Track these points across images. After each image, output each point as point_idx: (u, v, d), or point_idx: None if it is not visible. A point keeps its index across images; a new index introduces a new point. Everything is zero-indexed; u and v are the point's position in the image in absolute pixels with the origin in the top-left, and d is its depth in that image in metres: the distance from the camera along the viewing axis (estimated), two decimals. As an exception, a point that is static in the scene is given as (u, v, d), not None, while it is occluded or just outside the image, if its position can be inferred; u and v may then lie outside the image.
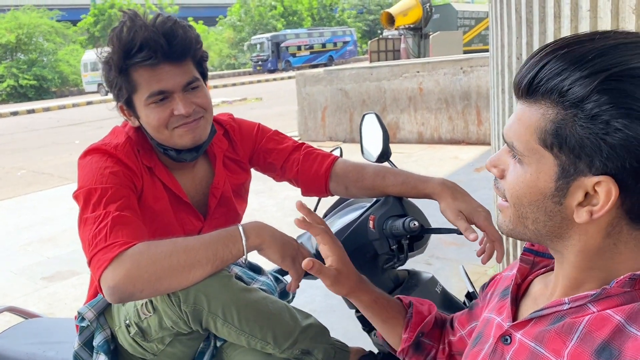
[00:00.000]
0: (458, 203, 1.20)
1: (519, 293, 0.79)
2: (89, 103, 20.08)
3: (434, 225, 1.30)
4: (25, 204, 6.10)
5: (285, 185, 1.58)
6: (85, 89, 26.87)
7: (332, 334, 1.28)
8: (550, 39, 2.09)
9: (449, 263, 3.32)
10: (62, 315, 3.16)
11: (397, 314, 1.00)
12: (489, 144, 6.55)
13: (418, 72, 7.23)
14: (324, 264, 0.95)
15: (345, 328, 1.53)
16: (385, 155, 1.41)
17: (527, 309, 0.75)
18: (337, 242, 0.97)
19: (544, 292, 0.74)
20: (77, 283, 3.63)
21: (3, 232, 5.09)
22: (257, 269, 1.44)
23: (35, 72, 26.34)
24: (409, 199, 1.32)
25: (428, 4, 16.71)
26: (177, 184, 1.33)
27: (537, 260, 0.80)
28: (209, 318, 1.11)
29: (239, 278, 1.32)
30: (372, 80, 7.65)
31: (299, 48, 32.43)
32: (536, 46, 2.07)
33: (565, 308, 0.65)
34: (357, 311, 1.24)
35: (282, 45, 31.56)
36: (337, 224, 1.34)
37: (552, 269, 0.77)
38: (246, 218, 1.54)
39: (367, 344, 1.32)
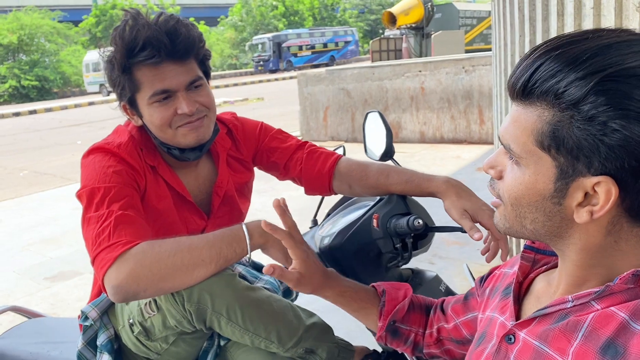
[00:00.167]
0: (463, 201, 1.19)
1: (521, 291, 0.78)
2: (90, 103, 20.10)
3: (438, 223, 1.29)
4: (28, 204, 6.11)
5: (288, 184, 1.57)
6: (87, 89, 26.93)
7: (336, 333, 1.27)
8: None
9: (451, 262, 3.32)
10: (65, 315, 3.16)
11: (368, 303, 1.05)
12: (491, 143, 6.55)
13: (420, 71, 7.23)
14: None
15: (349, 327, 1.53)
16: (388, 154, 1.40)
17: (531, 307, 0.75)
18: (300, 246, 1.01)
19: (546, 290, 0.74)
20: (80, 283, 3.63)
21: (6, 232, 5.10)
22: (260, 268, 1.43)
23: (37, 73, 26.40)
24: (413, 197, 1.32)
25: (430, 3, 16.68)
26: (180, 183, 1.32)
27: (538, 258, 0.80)
28: (212, 317, 1.11)
29: (243, 277, 1.32)
30: (374, 79, 7.64)
31: (301, 48, 32.42)
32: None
33: (569, 306, 0.65)
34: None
35: (284, 45, 31.55)
36: (340, 222, 1.34)
37: (554, 267, 0.77)
38: (249, 217, 1.53)
39: (371, 342, 1.32)
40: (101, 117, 14.26)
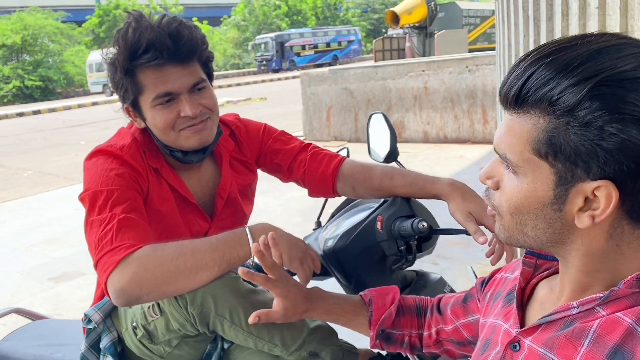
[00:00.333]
0: (467, 204, 1.18)
1: (523, 298, 0.78)
2: (94, 104, 20.14)
3: (442, 225, 1.29)
4: (32, 204, 6.12)
5: (291, 185, 1.57)
6: (91, 89, 27.00)
7: (340, 336, 1.27)
8: (557, 37, 2.07)
9: (455, 263, 3.31)
10: (68, 316, 3.17)
11: (357, 314, 1.06)
12: (495, 142, 6.53)
13: (423, 71, 7.21)
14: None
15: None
16: (392, 156, 1.40)
17: (535, 314, 0.74)
18: (279, 284, 1.01)
19: (550, 296, 0.74)
20: (83, 284, 3.64)
21: (10, 232, 5.11)
22: (264, 271, 1.43)
23: (41, 73, 26.47)
24: (417, 199, 1.31)
25: (433, 3, 16.66)
26: (183, 185, 1.32)
27: (539, 263, 0.80)
28: (216, 320, 1.11)
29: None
30: (377, 79, 7.63)
31: (304, 47, 32.42)
32: (544, 44, 2.05)
33: (574, 312, 0.65)
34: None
35: (287, 44, 31.56)
36: (344, 224, 1.33)
37: (555, 272, 0.76)
38: (252, 218, 1.53)
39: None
40: (104, 117, 14.29)
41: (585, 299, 0.64)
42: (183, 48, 1.19)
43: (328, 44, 33.49)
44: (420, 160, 6.26)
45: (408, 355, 1.15)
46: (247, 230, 1.10)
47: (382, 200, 1.32)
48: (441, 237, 1.33)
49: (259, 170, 1.51)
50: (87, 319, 1.26)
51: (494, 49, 2.72)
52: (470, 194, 1.21)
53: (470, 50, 15.15)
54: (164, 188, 1.29)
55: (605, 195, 0.59)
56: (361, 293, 1.09)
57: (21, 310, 1.70)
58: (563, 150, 0.60)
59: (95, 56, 25.24)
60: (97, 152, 1.23)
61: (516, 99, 0.63)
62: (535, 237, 0.67)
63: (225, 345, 1.29)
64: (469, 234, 1.15)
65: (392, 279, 1.29)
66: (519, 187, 0.65)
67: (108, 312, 1.28)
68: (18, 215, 5.73)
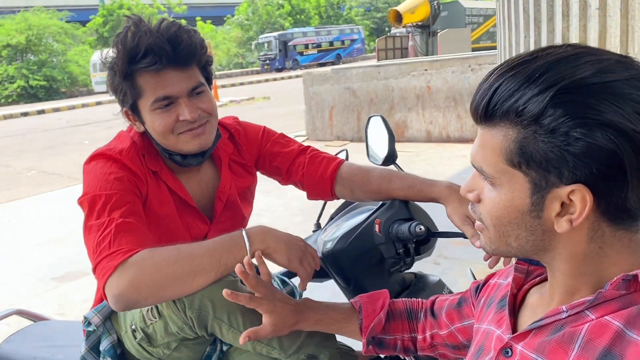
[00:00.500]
0: (464, 207, 1.19)
1: (515, 303, 0.79)
2: (98, 103, 20.17)
3: (441, 228, 1.29)
4: (36, 204, 6.15)
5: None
6: (95, 89, 27.03)
7: (338, 338, 1.27)
8: (558, 37, 2.06)
9: (457, 262, 3.31)
10: (72, 316, 3.19)
11: (347, 322, 1.08)
12: (497, 142, 6.51)
13: (426, 70, 7.20)
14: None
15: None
16: (391, 158, 1.40)
17: (526, 319, 0.75)
18: (264, 301, 1.03)
19: (541, 301, 0.75)
20: (87, 283, 3.65)
21: (14, 232, 5.14)
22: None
23: (45, 73, 26.54)
24: (415, 202, 1.31)
25: (436, 1, 16.62)
26: (182, 188, 1.33)
27: (531, 269, 0.81)
28: (214, 323, 1.11)
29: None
30: (379, 78, 7.63)
31: (307, 46, 32.41)
32: (544, 45, 2.05)
33: (563, 316, 0.66)
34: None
35: (290, 43, 31.55)
36: (343, 227, 1.34)
37: (547, 278, 0.77)
38: (253, 217, 1.54)
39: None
40: (108, 117, 14.31)
41: (574, 303, 0.65)
42: (182, 52, 1.19)
43: (331, 43, 33.47)
44: (423, 159, 6.25)
45: (405, 358, 1.16)
46: (244, 233, 1.11)
47: (381, 203, 1.32)
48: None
49: (258, 173, 1.52)
50: (87, 322, 1.27)
51: (497, 47, 2.72)
52: (468, 197, 1.21)
53: (474, 49, 15.13)
54: (163, 191, 1.29)
55: (580, 198, 0.60)
56: (351, 300, 1.10)
57: (23, 312, 1.71)
58: (534, 158, 0.62)
59: (99, 56, 25.25)
60: (96, 156, 1.24)
61: (485, 113, 0.65)
62: (518, 247, 0.69)
63: (224, 348, 1.29)
64: (466, 237, 1.16)
65: (390, 281, 1.30)
66: (498, 198, 0.67)
67: (107, 315, 1.28)
68: (22, 214, 5.75)
